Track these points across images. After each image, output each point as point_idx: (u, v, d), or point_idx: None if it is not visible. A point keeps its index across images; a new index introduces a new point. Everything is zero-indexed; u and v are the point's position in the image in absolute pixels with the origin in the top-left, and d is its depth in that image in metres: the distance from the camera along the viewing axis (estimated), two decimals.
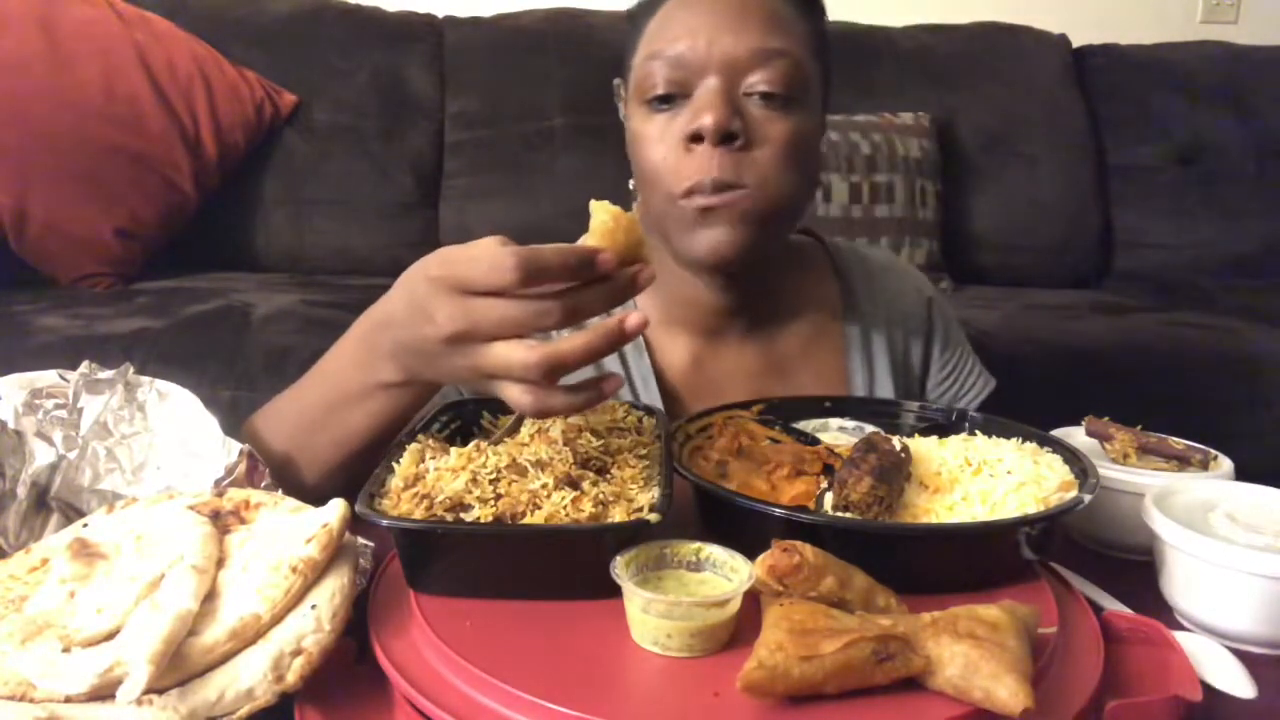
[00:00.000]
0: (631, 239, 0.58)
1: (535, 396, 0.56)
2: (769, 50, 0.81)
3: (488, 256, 0.55)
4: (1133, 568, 0.72)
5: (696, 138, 0.80)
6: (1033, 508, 0.60)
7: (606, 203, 0.59)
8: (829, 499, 0.61)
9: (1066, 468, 0.66)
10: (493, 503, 0.55)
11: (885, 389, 0.97)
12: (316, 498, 0.59)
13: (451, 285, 0.57)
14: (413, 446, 0.62)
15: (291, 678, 0.48)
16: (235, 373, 1.49)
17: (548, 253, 0.55)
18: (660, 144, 0.82)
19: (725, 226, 0.81)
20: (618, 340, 0.57)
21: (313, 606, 0.50)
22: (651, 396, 0.91)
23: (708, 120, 0.79)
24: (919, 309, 1.01)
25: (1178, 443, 0.78)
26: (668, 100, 0.82)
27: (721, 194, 0.80)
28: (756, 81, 0.81)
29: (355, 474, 0.68)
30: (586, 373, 0.87)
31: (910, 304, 1.01)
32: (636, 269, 0.58)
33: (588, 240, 0.58)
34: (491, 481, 0.57)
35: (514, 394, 0.57)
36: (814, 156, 0.88)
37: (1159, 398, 1.70)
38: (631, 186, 0.91)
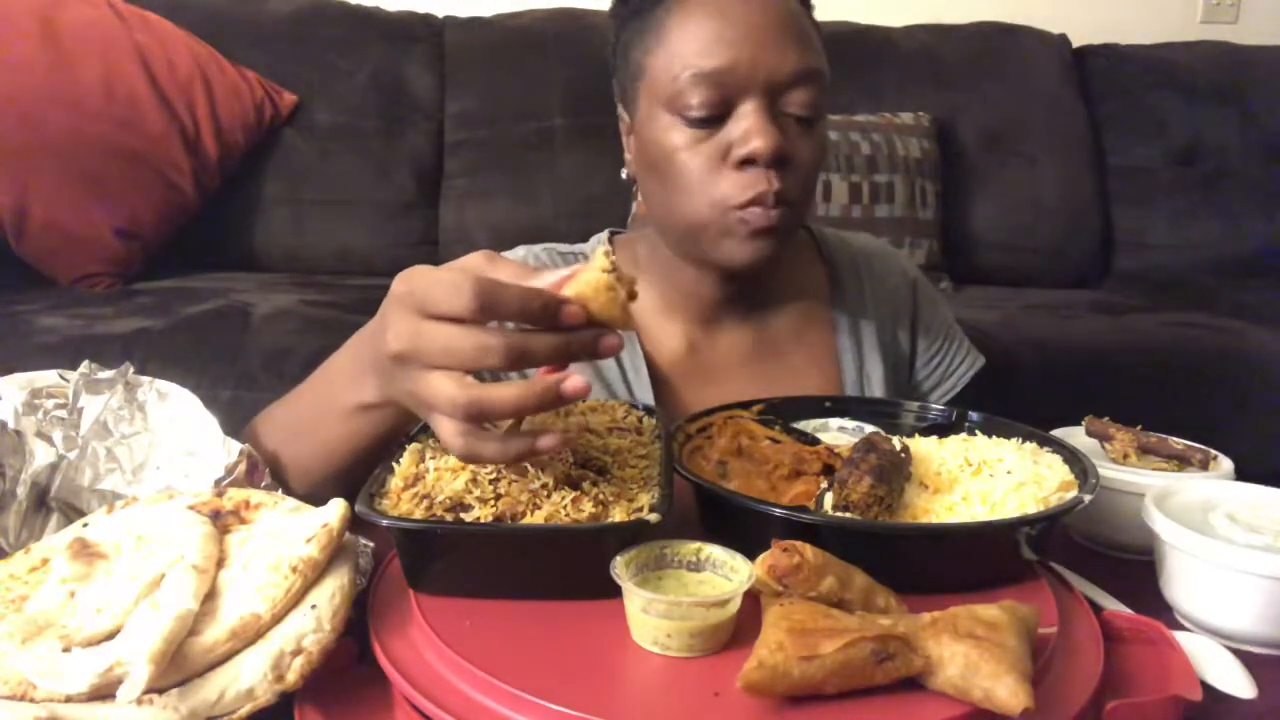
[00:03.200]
0: (607, 313, 0.54)
1: (465, 440, 0.54)
2: (809, 71, 0.81)
3: (451, 279, 0.53)
4: (1133, 568, 0.72)
5: (749, 160, 0.80)
6: (1033, 508, 0.60)
7: (611, 265, 0.54)
8: (829, 499, 0.61)
9: (1066, 468, 0.66)
10: (493, 503, 0.55)
11: (874, 368, 0.99)
12: (308, 503, 0.59)
13: (411, 304, 0.55)
14: (413, 446, 0.62)
15: (292, 677, 0.48)
16: (235, 373, 1.49)
17: (512, 290, 0.53)
18: (698, 158, 0.82)
19: (770, 241, 0.83)
20: (551, 401, 0.54)
21: (313, 606, 0.50)
22: (642, 384, 0.92)
23: (762, 145, 0.79)
24: (903, 290, 1.03)
25: (1178, 443, 0.78)
26: (705, 119, 0.82)
27: (779, 209, 0.81)
28: (794, 103, 0.81)
29: (344, 487, 0.67)
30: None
31: (894, 286, 1.03)
32: (600, 333, 0.54)
33: (571, 285, 0.54)
34: (491, 481, 0.57)
35: (445, 431, 0.54)
36: None
37: (1159, 398, 1.70)
38: (626, 176, 0.91)
